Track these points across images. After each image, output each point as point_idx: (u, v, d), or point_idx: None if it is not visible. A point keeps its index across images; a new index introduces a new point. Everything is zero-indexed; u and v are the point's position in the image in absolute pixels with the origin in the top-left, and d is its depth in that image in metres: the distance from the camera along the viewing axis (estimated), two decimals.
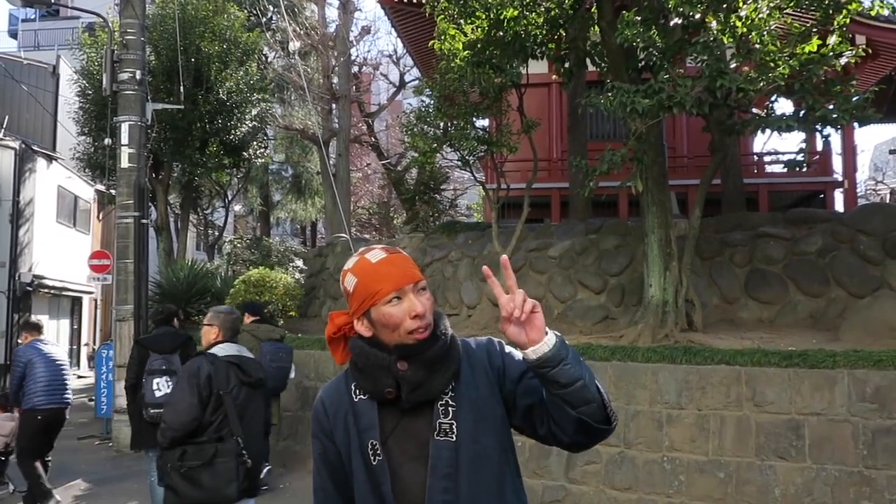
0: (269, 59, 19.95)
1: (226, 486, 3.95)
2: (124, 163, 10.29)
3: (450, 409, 1.71)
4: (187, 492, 3.94)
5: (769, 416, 6.00)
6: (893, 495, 5.44)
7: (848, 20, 7.20)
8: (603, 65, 9.12)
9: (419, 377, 1.68)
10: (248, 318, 7.95)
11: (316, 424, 1.84)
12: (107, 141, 11.30)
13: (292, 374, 8.10)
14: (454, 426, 1.69)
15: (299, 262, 17.84)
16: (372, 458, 1.71)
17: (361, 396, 1.77)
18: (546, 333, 1.60)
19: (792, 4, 7.14)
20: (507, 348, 1.83)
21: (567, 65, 9.54)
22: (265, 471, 7.18)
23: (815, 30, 7.31)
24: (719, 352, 6.51)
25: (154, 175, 14.95)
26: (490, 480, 1.71)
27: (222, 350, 4.20)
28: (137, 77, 10.29)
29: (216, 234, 24.04)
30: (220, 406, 4.01)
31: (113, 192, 13.08)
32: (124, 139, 10.27)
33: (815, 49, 6.94)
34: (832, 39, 7.01)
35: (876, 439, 5.59)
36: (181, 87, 12.53)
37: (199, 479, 3.94)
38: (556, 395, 1.62)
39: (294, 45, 17.49)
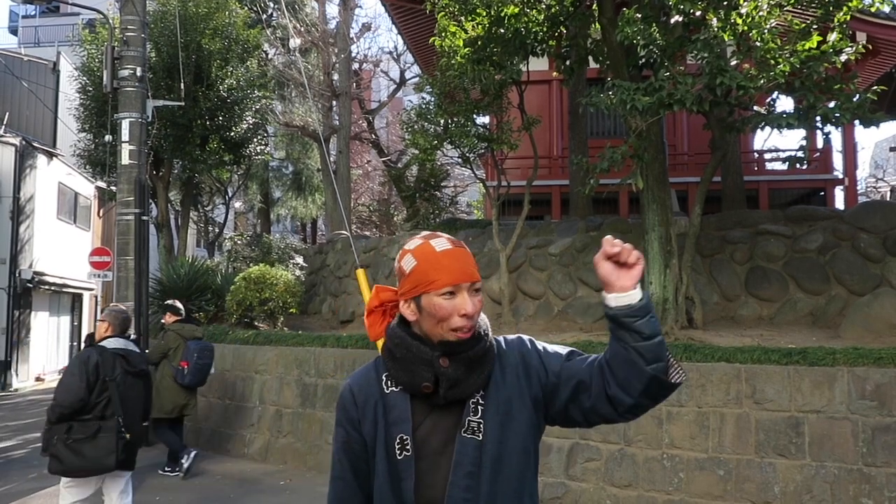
0: (269, 56, 19.92)
1: (105, 458, 4.73)
2: (125, 159, 10.30)
3: (479, 407, 1.70)
4: (71, 460, 4.68)
5: (769, 413, 6.01)
6: (893, 493, 5.45)
7: (848, 17, 7.19)
8: (603, 62, 9.12)
9: (458, 375, 1.67)
10: (170, 318, 8.58)
11: (342, 413, 1.81)
12: (107, 138, 11.29)
13: (213, 370, 8.78)
14: (482, 425, 1.69)
15: (300, 259, 17.85)
16: (398, 451, 1.69)
17: (393, 388, 1.74)
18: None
19: (792, 2, 7.13)
20: (540, 344, 1.83)
21: (568, 62, 9.54)
22: (192, 456, 8.16)
23: (815, 27, 7.30)
24: (719, 349, 6.52)
25: (154, 172, 14.94)
26: (510, 482, 1.71)
27: (111, 343, 4.95)
28: (138, 74, 10.28)
29: (216, 230, 24.01)
30: (105, 390, 4.76)
31: (113, 188, 13.08)
32: (125, 136, 10.27)
33: (815, 46, 6.94)
34: (832, 36, 7.01)
35: (876, 437, 5.60)
36: (182, 84, 12.52)
37: (81, 451, 4.68)
38: (633, 347, 1.60)
39: (294, 41, 17.48)
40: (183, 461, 8.28)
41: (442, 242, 1.72)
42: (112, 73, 10.26)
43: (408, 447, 1.68)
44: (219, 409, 9.87)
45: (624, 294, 1.60)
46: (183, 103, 12.59)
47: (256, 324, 11.02)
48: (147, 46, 11.28)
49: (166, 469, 8.43)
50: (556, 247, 9.99)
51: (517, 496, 1.72)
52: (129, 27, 10.36)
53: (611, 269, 1.61)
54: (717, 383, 6.25)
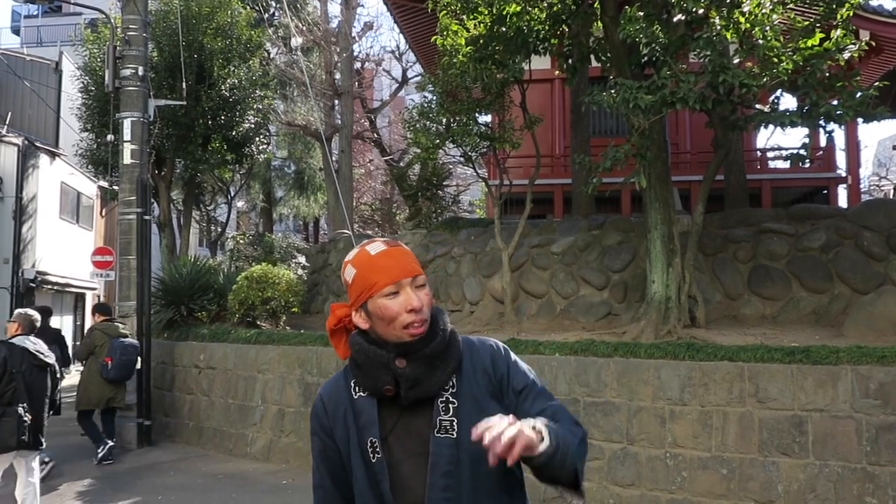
0: (271, 55, 19.92)
1: (9, 438, 5.55)
2: (127, 159, 10.30)
3: (450, 405, 1.69)
4: None
5: (772, 412, 5.99)
6: None
7: (851, 14, 7.17)
8: (606, 60, 9.10)
9: (418, 374, 1.67)
10: (99, 318, 9.49)
11: (315, 422, 1.83)
12: (109, 137, 11.30)
13: (138, 366, 9.45)
14: (455, 423, 1.68)
15: (302, 259, 17.86)
16: (371, 455, 1.69)
17: (361, 394, 1.76)
18: (543, 440, 1.52)
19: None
20: (514, 357, 1.82)
21: (570, 61, 9.52)
22: (106, 447, 8.98)
23: (818, 25, 7.28)
24: (722, 348, 6.50)
25: (157, 171, 14.95)
26: (490, 479, 1.69)
27: (19, 340, 5.80)
28: (140, 73, 10.29)
29: (219, 230, 24.02)
30: (12, 381, 5.59)
31: (116, 188, 13.08)
32: (127, 135, 10.28)
33: (818, 44, 6.92)
34: (836, 34, 6.99)
35: (879, 436, 5.58)
36: (184, 83, 12.52)
37: None
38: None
39: (296, 41, 17.47)
40: (99, 451, 8.95)
41: (376, 246, 1.75)
42: (114, 72, 10.27)
43: (378, 450, 1.69)
44: (221, 409, 9.87)
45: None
46: (185, 103, 12.59)
47: (259, 323, 11.01)
48: (149, 46, 11.30)
49: (99, 455, 9.00)
50: (559, 246, 9.97)
51: (499, 492, 1.72)
52: (130, 26, 10.37)
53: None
54: (720, 382, 6.23)
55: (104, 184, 19.14)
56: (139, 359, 9.41)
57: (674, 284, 7.97)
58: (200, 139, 14.59)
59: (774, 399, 5.99)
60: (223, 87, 14.82)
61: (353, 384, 1.79)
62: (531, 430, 1.50)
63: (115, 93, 10.47)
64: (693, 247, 8.20)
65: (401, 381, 1.68)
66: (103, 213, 24.20)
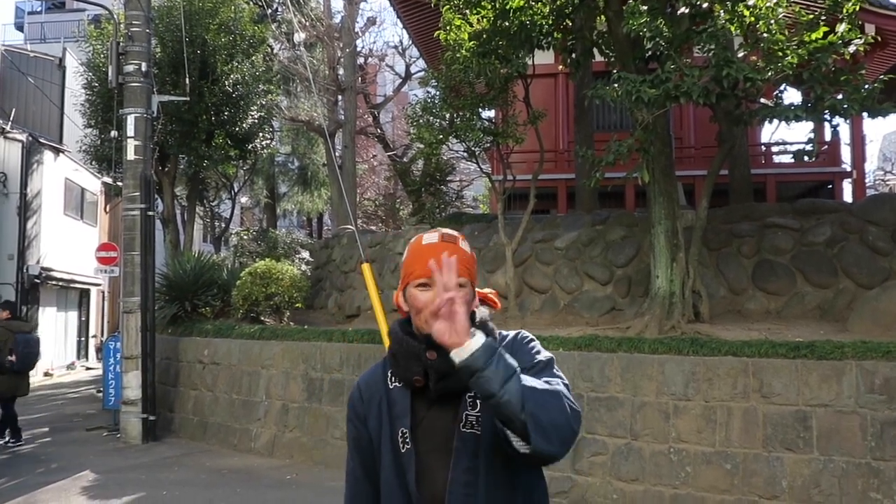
0: (274, 51, 19.90)
1: None
2: (130, 155, 10.31)
3: (478, 401, 1.69)
4: None
5: (776, 407, 5.98)
6: None
7: (857, 8, 7.13)
8: (610, 55, 9.06)
9: (447, 367, 1.64)
10: (5, 314, 10.14)
11: (351, 409, 1.86)
12: (113, 133, 11.32)
13: (39, 358, 10.56)
14: (480, 419, 1.68)
15: (305, 254, 17.83)
16: (401, 445, 1.71)
17: (396, 384, 1.77)
18: (471, 336, 1.54)
19: None
20: (530, 341, 1.80)
21: (573, 55, 9.49)
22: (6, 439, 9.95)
23: (823, 18, 7.24)
24: (726, 343, 6.49)
25: (160, 167, 14.95)
26: (507, 476, 1.69)
27: None
28: (143, 69, 10.28)
29: (222, 225, 24.02)
30: None
31: (119, 184, 13.09)
32: (130, 131, 10.28)
33: (822, 37, 6.88)
34: (841, 28, 6.95)
35: (884, 431, 5.56)
36: (187, 79, 12.52)
37: None
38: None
39: (299, 36, 17.43)
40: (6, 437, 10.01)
41: (431, 236, 1.76)
42: (117, 68, 10.27)
43: (408, 441, 1.70)
44: (225, 404, 9.89)
45: (457, 350, 1.53)
46: (188, 98, 12.60)
47: (262, 318, 11.03)
48: (152, 42, 11.29)
49: (9, 442, 9.99)
50: (562, 241, 9.95)
51: (514, 490, 1.72)
52: (133, 22, 10.36)
53: (441, 327, 1.54)
54: (724, 377, 6.22)
55: (108, 180, 19.18)
56: (40, 350, 10.50)
57: (678, 279, 7.95)
58: (204, 135, 14.59)
59: (779, 394, 5.98)
60: (226, 83, 14.81)
61: (389, 374, 1.81)
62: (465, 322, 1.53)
63: (118, 89, 10.47)
64: (697, 241, 8.17)
65: (430, 373, 1.69)
66: (107, 209, 24.21)
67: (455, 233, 1.80)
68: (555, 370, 1.74)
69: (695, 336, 7.06)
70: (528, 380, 1.56)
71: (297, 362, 9.16)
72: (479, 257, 10.64)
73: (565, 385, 1.67)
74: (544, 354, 1.77)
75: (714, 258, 9.09)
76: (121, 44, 10.32)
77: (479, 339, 1.54)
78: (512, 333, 1.84)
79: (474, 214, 16.31)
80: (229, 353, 10.01)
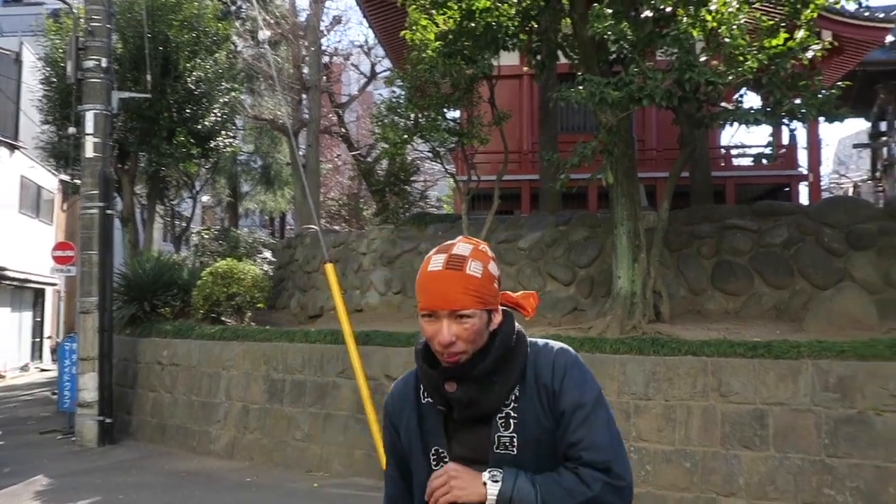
0: (238, 49, 19.68)
1: None
2: (89, 152, 10.11)
3: (511, 420, 1.60)
4: None
5: (734, 405, 6.07)
6: (854, 483, 5.54)
7: (815, 15, 7.29)
8: (574, 57, 9.13)
9: (470, 396, 1.59)
10: None
11: (386, 417, 1.82)
12: (71, 130, 11.08)
13: None
14: (515, 440, 1.59)
15: (268, 254, 17.66)
16: (435, 463, 1.65)
17: (428, 399, 1.71)
18: (484, 485, 1.51)
19: None
20: (575, 368, 1.65)
21: (539, 57, 9.54)
22: None
23: (783, 24, 7.39)
24: (686, 343, 6.57)
25: (120, 165, 14.67)
26: None
27: None
28: (103, 65, 10.09)
29: (183, 225, 23.69)
30: None
31: (77, 182, 12.81)
32: (89, 128, 10.08)
33: (782, 43, 7.02)
34: (800, 34, 7.10)
35: (838, 428, 5.68)
36: (148, 76, 12.30)
37: None
38: None
39: (264, 34, 17.26)
40: None
41: (437, 261, 1.62)
42: (76, 63, 10.06)
43: (445, 459, 1.64)
44: (184, 406, 9.74)
45: None
46: (150, 95, 12.39)
47: (223, 319, 10.89)
48: (113, 37, 11.09)
49: None
50: (526, 241, 10.00)
51: None
52: (94, 17, 10.16)
53: None
54: (684, 376, 6.30)
55: (66, 177, 18.77)
56: None
57: (639, 280, 8.04)
58: (165, 132, 14.36)
59: (737, 393, 6.07)
60: (189, 80, 14.59)
61: (421, 387, 1.74)
62: (473, 485, 1.50)
63: (77, 84, 10.26)
64: (658, 242, 8.27)
65: (453, 404, 1.62)
66: (65, 208, 23.70)
67: (466, 251, 1.64)
68: (601, 410, 1.62)
69: (655, 336, 7.15)
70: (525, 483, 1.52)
71: (259, 363, 9.05)
72: None
73: (614, 428, 1.63)
74: (592, 389, 1.63)
75: (675, 259, 9.21)
76: (80, 39, 10.11)
77: (492, 490, 1.51)
78: (554, 352, 1.67)
79: (438, 215, 16.30)
80: (189, 354, 9.86)
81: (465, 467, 1.56)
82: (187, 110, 14.79)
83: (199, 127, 15.19)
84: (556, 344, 1.70)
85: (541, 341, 1.72)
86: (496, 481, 1.51)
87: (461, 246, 1.65)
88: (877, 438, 5.54)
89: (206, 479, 8.03)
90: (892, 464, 5.45)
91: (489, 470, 1.54)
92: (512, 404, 1.61)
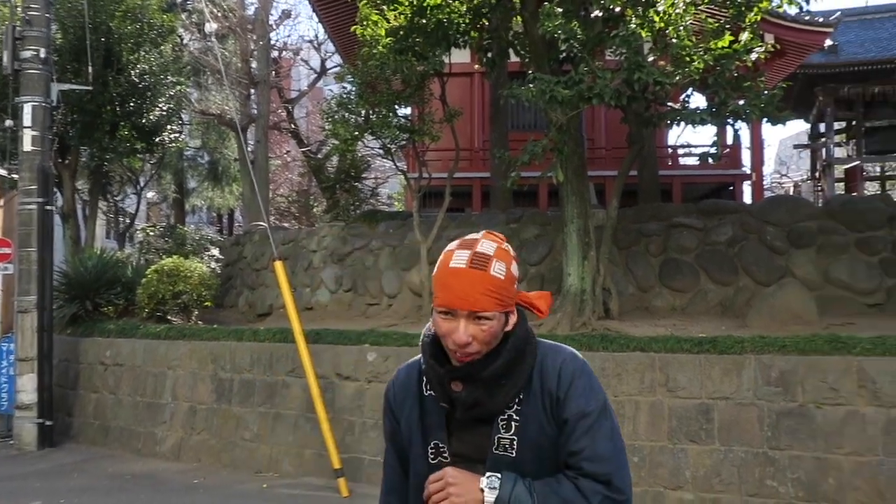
0: (184, 42, 19.28)
1: None
2: (27, 146, 9.77)
3: (513, 423, 1.59)
4: None
5: (681, 400, 6.18)
6: (795, 474, 5.70)
7: (759, 18, 7.46)
8: (525, 55, 9.18)
9: (475, 397, 1.57)
10: None
11: (387, 404, 1.80)
12: (8, 122, 10.72)
13: None
14: (514, 442, 1.58)
15: (215, 251, 17.39)
16: (433, 456, 1.64)
17: (431, 393, 1.68)
18: (482, 492, 1.51)
19: (707, 1, 7.35)
20: (581, 375, 1.62)
21: (489, 54, 9.57)
22: None
23: (728, 26, 7.55)
24: (634, 339, 6.67)
25: (60, 159, 14.24)
26: None
27: None
28: (42, 55, 9.76)
29: (128, 221, 23.14)
30: None
31: (15, 176, 12.38)
32: (27, 121, 9.74)
33: (727, 45, 7.17)
34: (744, 36, 7.26)
35: (779, 421, 5.84)
36: (90, 68, 11.95)
37: None
38: None
39: (210, 26, 16.95)
40: None
41: (461, 257, 1.56)
42: (13, 54, 9.71)
43: (444, 454, 1.63)
44: (128, 407, 9.50)
45: None
46: (91, 88, 12.04)
47: (169, 318, 10.65)
48: (52, 27, 10.74)
49: None
50: None
51: None
52: (31, 5, 9.82)
53: None
54: (633, 372, 6.39)
55: (2, 172, 18.12)
56: None
57: (589, 277, 8.13)
58: (108, 126, 13.97)
59: (683, 388, 6.18)
60: (133, 73, 14.22)
61: (424, 380, 1.71)
62: (470, 491, 1.50)
63: (14, 76, 9.90)
64: (608, 240, 8.38)
65: (457, 404, 1.60)
66: (1, 203, 22.91)
67: (490, 249, 1.58)
68: (605, 420, 1.60)
69: (605, 332, 7.23)
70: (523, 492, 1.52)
71: (206, 362, 8.88)
72: (394, 255, 10.59)
73: (618, 439, 1.61)
74: (597, 398, 1.61)
75: (623, 256, 9.34)
76: (17, 28, 9.77)
77: (489, 498, 1.51)
78: (562, 359, 1.64)
79: (389, 212, 16.24)
80: (133, 354, 9.62)
81: (463, 471, 1.54)
82: (131, 104, 14.41)
83: (144, 121, 14.81)
84: (565, 349, 1.68)
85: (549, 344, 1.70)
86: (493, 488, 1.50)
87: (485, 243, 1.60)
88: (817, 431, 5.71)
89: (152, 481, 7.85)
90: (832, 455, 5.62)
91: (487, 475, 1.53)
92: (515, 407, 1.60)
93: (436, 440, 1.65)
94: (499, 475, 1.53)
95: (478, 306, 1.52)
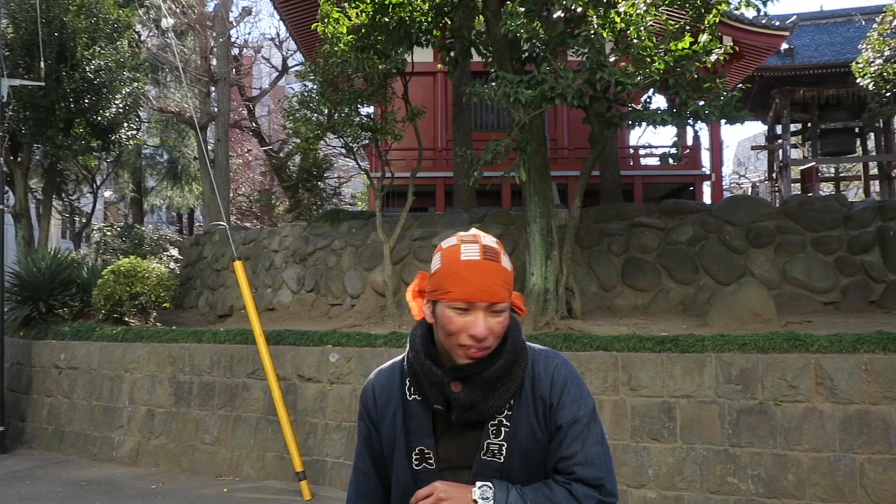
0: (141, 38, 18.91)
1: None
2: None
3: (503, 429, 1.58)
4: None
5: (644, 399, 6.22)
6: (756, 471, 5.77)
7: (718, 19, 7.54)
8: (488, 55, 9.17)
9: (473, 398, 1.54)
10: None
11: (363, 409, 1.73)
12: None
13: None
14: (504, 448, 1.57)
15: (175, 252, 17.08)
16: (417, 462, 1.60)
17: (416, 396, 1.63)
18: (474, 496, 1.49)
19: (667, 2, 7.41)
20: (573, 381, 1.63)
21: (452, 53, 9.54)
22: None
23: (687, 28, 7.62)
24: (597, 338, 6.69)
25: (12, 157, 13.86)
26: None
27: None
28: None
29: (83, 221, 22.63)
30: None
31: None
32: None
33: (687, 46, 7.24)
34: (703, 38, 7.34)
35: (740, 419, 5.90)
36: (42, 63, 11.65)
37: None
38: None
39: (168, 22, 16.64)
40: None
41: (472, 250, 1.55)
42: None
43: (430, 460, 1.59)
44: (84, 411, 9.27)
45: None
46: (44, 84, 11.74)
47: (126, 320, 10.43)
48: (2, 21, 10.44)
49: None
50: (440, 238, 9.98)
51: None
52: None
53: None
54: (596, 371, 6.41)
55: None
56: None
57: (552, 276, 8.15)
58: (62, 123, 13.62)
59: (646, 387, 6.22)
60: (87, 69, 13.88)
61: (408, 382, 1.66)
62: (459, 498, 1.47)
63: None
64: (570, 240, 8.40)
65: (453, 405, 1.56)
66: None
67: (494, 242, 1.60)
68: (594, 425, 1.63)
69: (568, 332, 7.25)
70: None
71: (165, 365, 8.71)
72: (356, 255, 10.51)
73: (606, 443, 1.65)
74: (586, 403, 1.63)
75: (586, 256, 9.39)
76: None
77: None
78: (554, 365, 1.65)
79: (352, 211, 16.12)
80: (89, 357, 9.39)
81: (453, 484, 1.51)
82: (86, 100, 14.07)
83: (100, 118, 14.47)
84: (555, 354, 1.68)
85: (538, 349, 1.69)
86: (487, 499, 1.48)
87: (486, 237, 1.61)
88: (776, 428, 5.78)
89: (108, 487, 7.67)
90: (791, 451, 5.70)
91: (479, 485, 1.50)
92: (506, 412, 1.59)
93: (421, 445, 1.62)
94: (490, 484, 1.50)
95: (497, 297, 1.52)
